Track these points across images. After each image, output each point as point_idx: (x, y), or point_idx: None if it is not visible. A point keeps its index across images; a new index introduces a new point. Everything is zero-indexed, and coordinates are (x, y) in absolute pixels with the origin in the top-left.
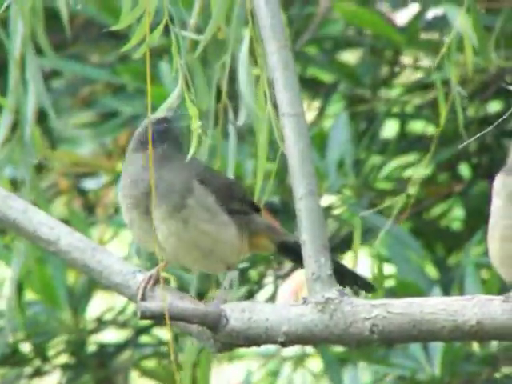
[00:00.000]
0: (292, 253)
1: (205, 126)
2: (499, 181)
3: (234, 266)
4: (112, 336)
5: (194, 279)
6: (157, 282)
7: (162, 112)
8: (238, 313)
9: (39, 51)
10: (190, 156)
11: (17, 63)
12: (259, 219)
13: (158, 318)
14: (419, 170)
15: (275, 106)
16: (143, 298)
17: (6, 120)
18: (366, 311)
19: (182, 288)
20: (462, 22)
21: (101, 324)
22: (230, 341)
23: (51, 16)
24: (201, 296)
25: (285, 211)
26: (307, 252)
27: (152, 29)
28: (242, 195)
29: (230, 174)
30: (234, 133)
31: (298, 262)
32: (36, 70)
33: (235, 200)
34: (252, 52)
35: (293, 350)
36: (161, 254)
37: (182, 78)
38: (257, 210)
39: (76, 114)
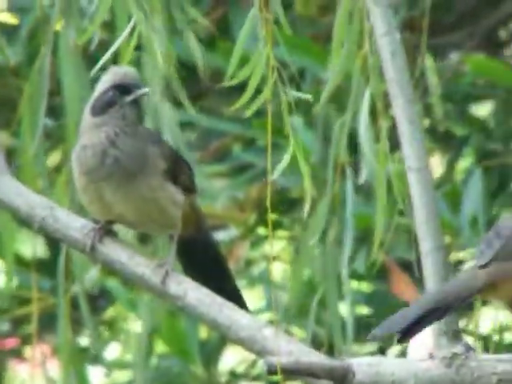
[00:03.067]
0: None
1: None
2: None
3: (177, 229)
4: None
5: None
6: (105, 234)
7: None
8: (364, 367)
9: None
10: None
11: (152, 113)
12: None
13: (285, 373)
14: None
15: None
16: (92, 249)
17: None
18: (491, 366)
19: (315, 342)
20: None
21: (233, 377)
22: None
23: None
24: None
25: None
26: None
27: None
28: (189, 172)
29: (350, 230)
30: (352, 189)
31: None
32: (172, 121)
33: (183, 174)
34: (373, 108)
35: None
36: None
37: (291, 136)
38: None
39: (206, 166)
